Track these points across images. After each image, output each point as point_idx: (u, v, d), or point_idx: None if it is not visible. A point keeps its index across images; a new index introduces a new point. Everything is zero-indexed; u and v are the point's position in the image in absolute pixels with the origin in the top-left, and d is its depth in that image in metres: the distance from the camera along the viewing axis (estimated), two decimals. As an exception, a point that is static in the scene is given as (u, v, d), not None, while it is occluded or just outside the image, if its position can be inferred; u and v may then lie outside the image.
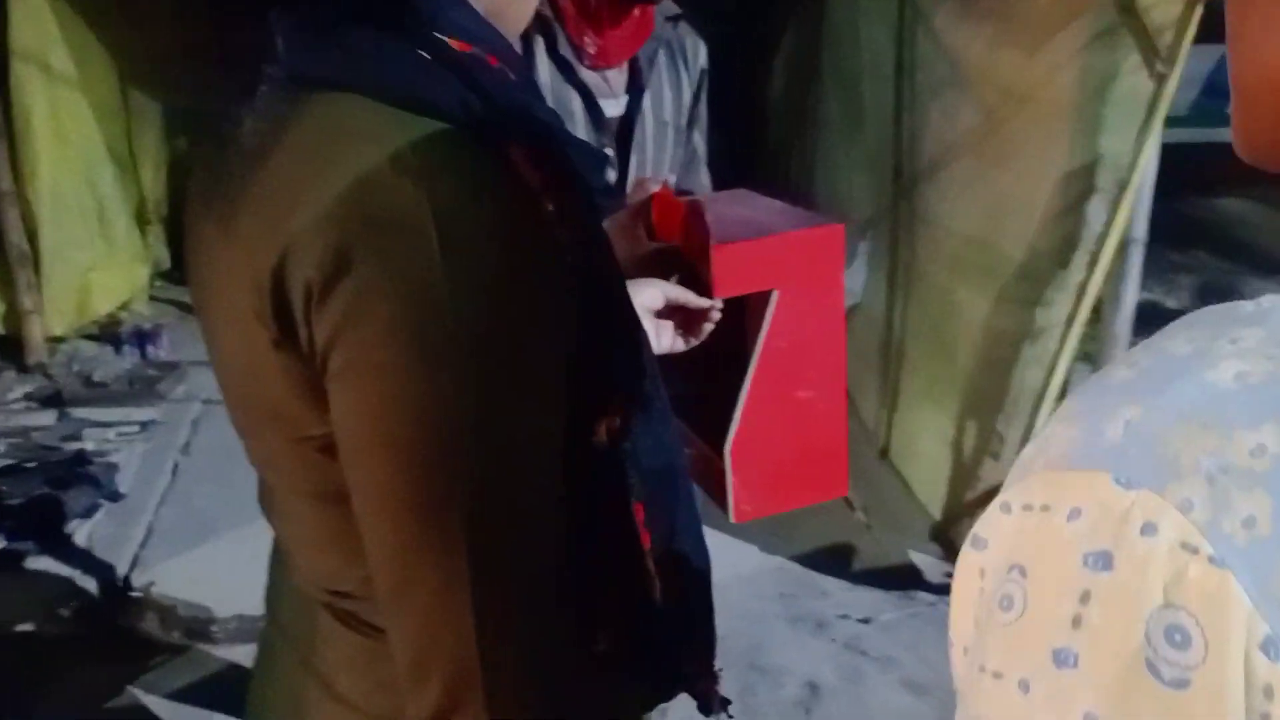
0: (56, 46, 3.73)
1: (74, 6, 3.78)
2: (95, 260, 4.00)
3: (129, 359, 3.89)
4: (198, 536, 3.04)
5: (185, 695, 2.50)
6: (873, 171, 3.13)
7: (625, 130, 1.57)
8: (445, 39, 0.61)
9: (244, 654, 2.62)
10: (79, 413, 3.56)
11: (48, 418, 3.54)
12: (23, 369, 3.80)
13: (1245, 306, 0.38)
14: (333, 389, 0.58)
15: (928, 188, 2.77)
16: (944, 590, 2.59)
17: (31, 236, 3.70)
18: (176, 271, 4.81)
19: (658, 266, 1.05)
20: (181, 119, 4.67)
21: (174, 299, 4.67)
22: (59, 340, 3.93)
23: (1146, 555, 0.32)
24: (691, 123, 1.68)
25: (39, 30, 3.66)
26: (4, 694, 2.41)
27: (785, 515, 1.37)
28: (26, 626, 2.67)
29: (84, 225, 3.92)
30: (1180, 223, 4.39)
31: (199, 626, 2.71)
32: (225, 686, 2.47)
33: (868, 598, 2.72)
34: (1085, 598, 0.33)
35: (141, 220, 4.39)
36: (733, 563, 2.47)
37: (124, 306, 4.21)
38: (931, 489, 2.86)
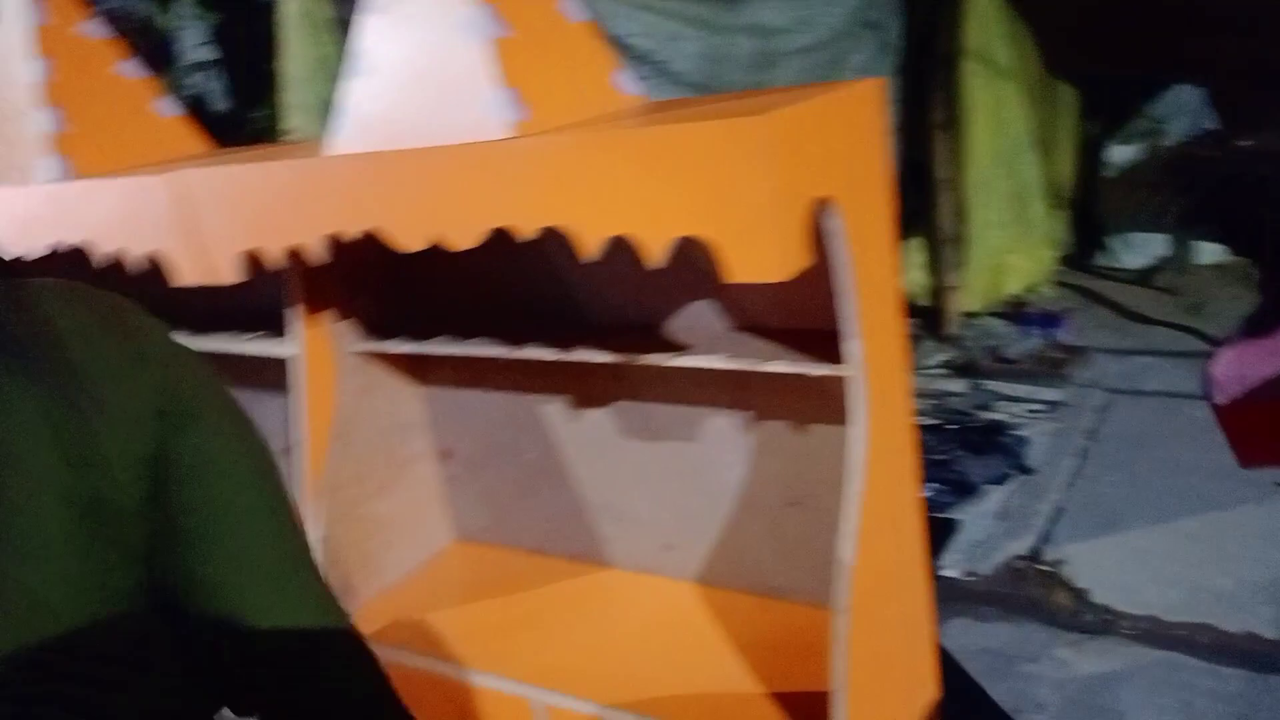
0: (999, 42, 3.98)
1: (1013, 3, 4.00)
2: (1011, 243, 4.20)
3: (1034, 339, 4.01)
4: (1107, 525, 2.99)
5: (1088, 683, 2.46)
6: None
7: None
8: None
9: (1152, 658, 2.50)
10: (990, 385, 3.79)
11: (961, 386, 3.86)
12: (940, 339, 4.21)
13: None
14: None
15: None
16: None
17: (960, 220, 4.04)
18: (1079, 257, 4.83)
19: None
20: (1093, 102, 4.64)
21: (1076, 284, 4.70)
22: (971, 316, 4.25)
23: None
24: None
25: (986, 29, 3.94)
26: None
27: None
28: (948, 572, 2.94)
29: (1006, 210, 4.15)
30: None
31: (1110, 616, 2.65)
32: (1122, 683, 2.38)
33: None
34: None
35: (1053, 205, 4.47)
36: None
37: (1031, 289, 4.35)
38: None
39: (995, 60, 3.95)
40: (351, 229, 1.05)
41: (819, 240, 0.90)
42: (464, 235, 0.98)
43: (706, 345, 1.14)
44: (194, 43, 3.47)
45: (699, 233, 0.85)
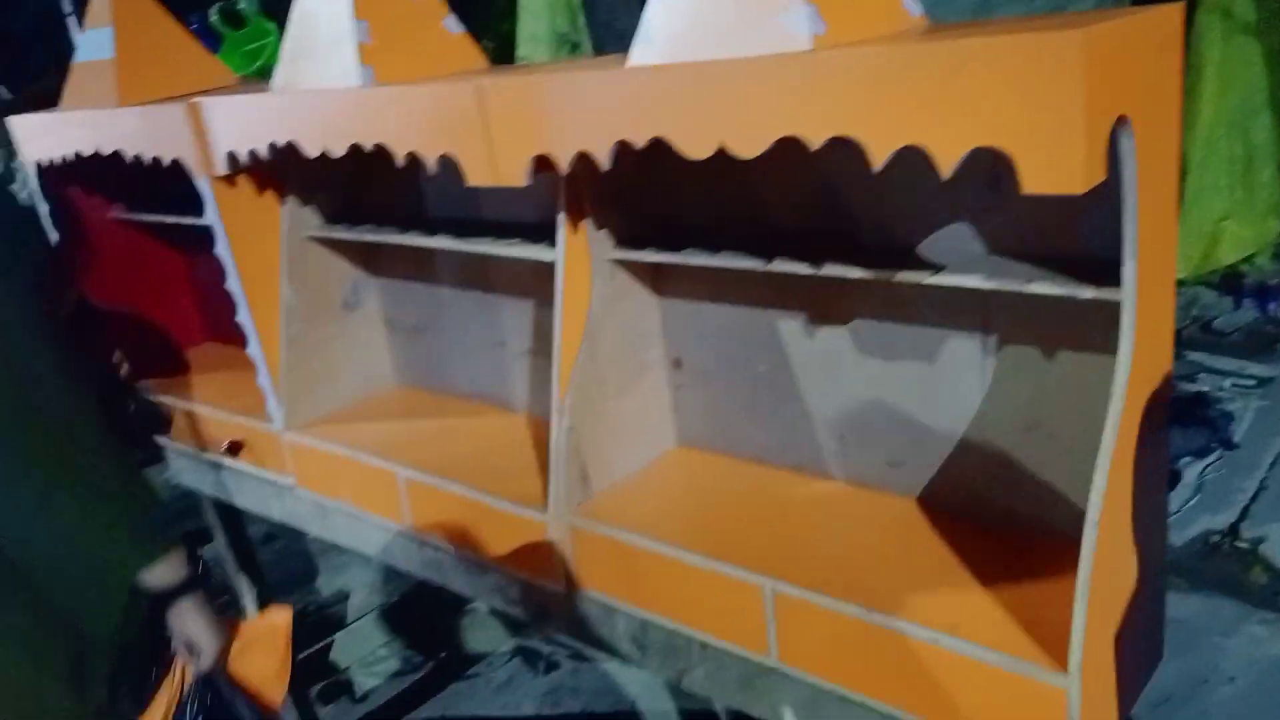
0: (1241, -6, 3.71)
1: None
2: (1231, 209, 3.95)
3: (1248, 312, 3.80)
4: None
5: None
6: None
7: None
8: None
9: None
10: (1195, 356, 3.63)
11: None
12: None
13: None
14: None
15: None
16: None
17: (1179, 180, 3.84)
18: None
19: None
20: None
21: (1297, 257, 4.39)
22: (1180, 284, 4.05)
23: None
24: None
25: (1228, -22, 3.68)
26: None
27: None
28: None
29: (1230, 173, 3.90)
30: None
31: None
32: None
33: None
34: None
35: (1281, 171, 4.17)
36: None
37: (1249, 260, 4.09)
38: None
39: (1236, 13, 3.69)
40: (640, 137, 1.14)
41: (1110, 159, 0.92)
42: (750, 144, 1.05)
43: (960, 266, 1.17)
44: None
45: (997, 143, 0.89)
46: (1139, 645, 1.18)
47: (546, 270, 1.48)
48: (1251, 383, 3.44)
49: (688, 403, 1.62)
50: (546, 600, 1.56)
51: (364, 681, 2.83)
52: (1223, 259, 4.04)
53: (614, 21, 2.85)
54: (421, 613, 3.02)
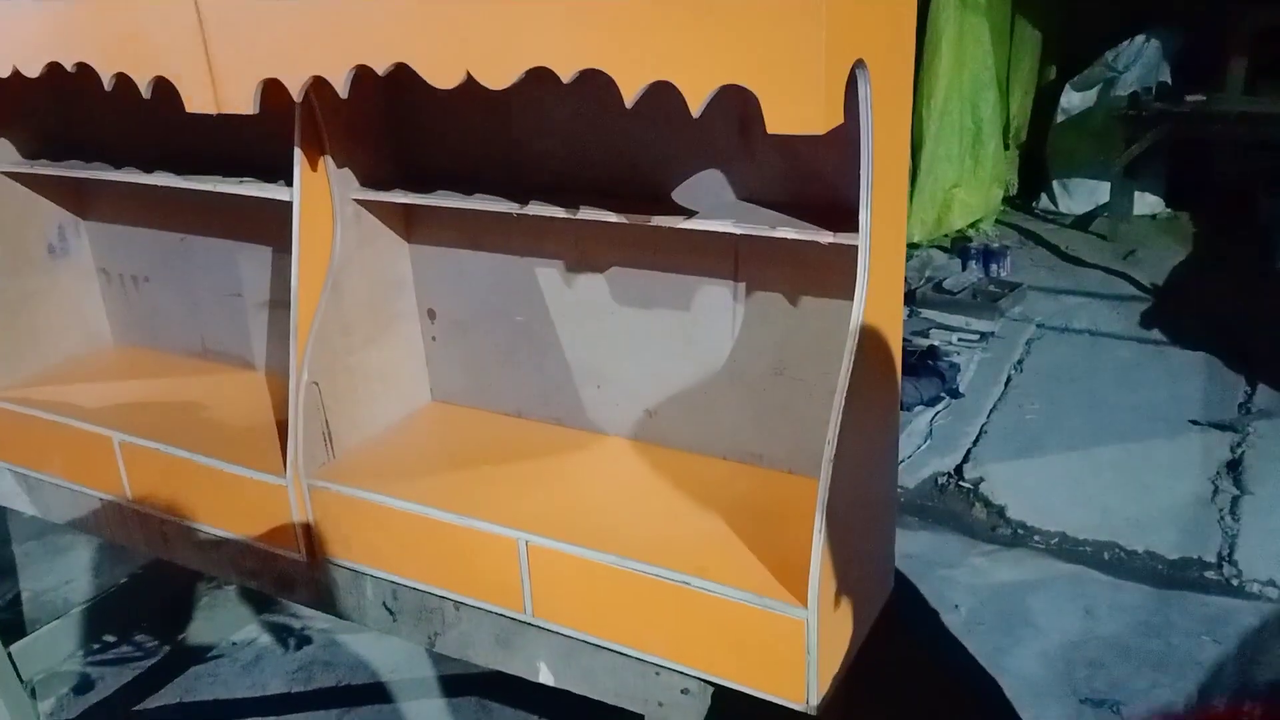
0: (972, -24, 4.02)
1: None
2: (961, 178, 4.30)
3: (974, 274, 4.15)
4: (1025, 448, 3.17)
5: (1000, 589, 2.62)
6: None
7: None
8: None
9: (1060, 570, 2.68)
10: (927, 313, 3.92)
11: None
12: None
13: None
14: None
15: None
16: None
17: (914, 152, 4.13)
18: (1021, 198, 4.97)
19: None
20: (1054, 48, 4.73)
21: (1015, 224, 4.85)
22: (914, 246, 4.36)
23: None
24: None
25: (961, -40, 3.98)
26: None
27: None
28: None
29: (959, 145, 4.24)
30: None
31: (1024, 531, 2.82)
32: (1032, 590, 2.55)
33: None
34: None
35: (1006, 144, 4.58)
36: None
37: (975, 225, 4.47)
38: None
39: (965, -6, 3.99)
40: (381, 62, 1.05)
41: (848, 111, 0.94)
42: (500, 73, 0.99)
43: (712, 212, 1.18)
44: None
45: (744, 81, 0.88)
46: (872, 579, 1.25)
47: (282, 211, 1.36)
48: (975, 337, 3.76)
49: (442, 355, 1.55)
50: (289, 570, 1.45)
51: (89, 671, 2.56)
52: (953, 224, 4.40)
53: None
54: (154, 595, 2.77)
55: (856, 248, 1.04)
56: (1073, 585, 2.59)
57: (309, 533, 1.37)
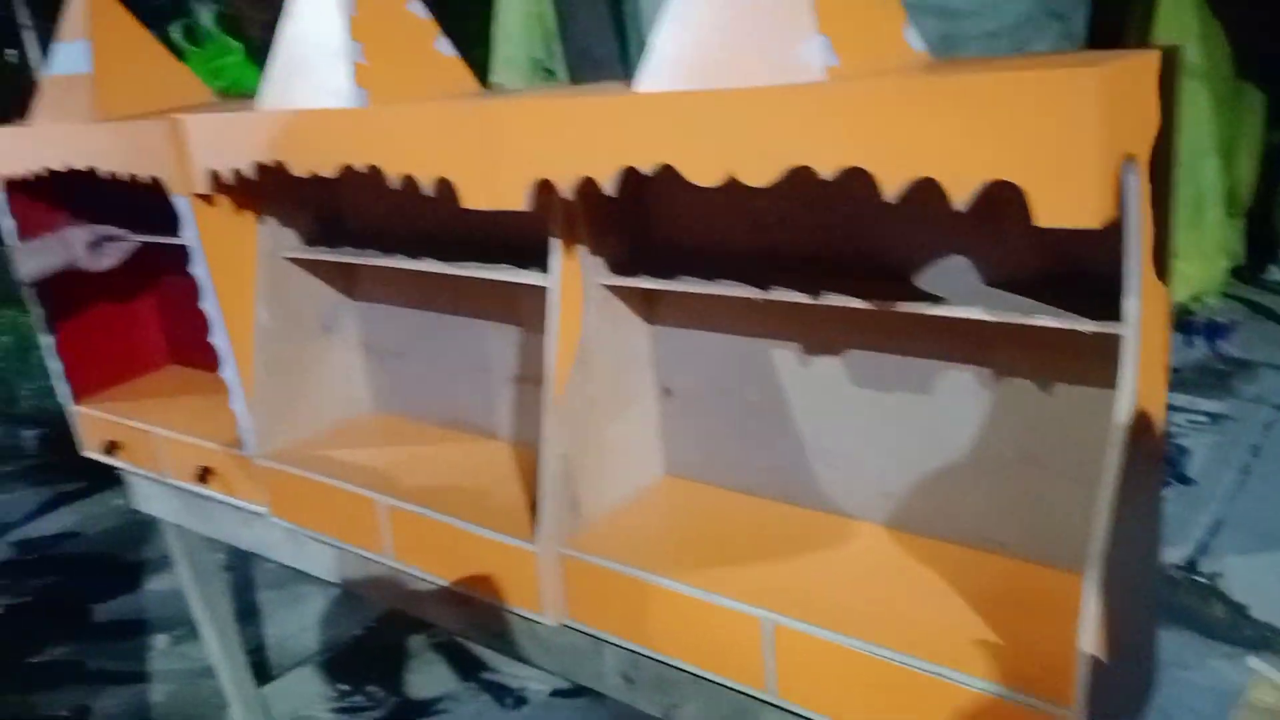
0: (1189, 41, 3.86)
1: (1210, 4, 3.87)
2: (1183, 248, 4.07)
3: (1198, 350, 3.90)
4: (1268, 542, 2.92)
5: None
6: None
7: None
8: None
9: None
10: (1149, 392, 3.71)
11: (1117, 392, 3.80)
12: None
13: None
14: None
15: None
16: None
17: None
18: (1248, 269, 4.65)
19: None
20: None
21: (1243, 296, 4.53)
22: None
23: None
24: None
25: (1177, 25, 3.83)
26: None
27: None
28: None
29: (1180, 214, 4.02)
30: None
31: (1270, 634, 2.59)
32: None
33: None
34: None
35: (1229, 213, 4.32)
36: None
37: (1198, 298, 4.22)
38: None
39: (1185, 59, 3.83)
40: (647, 164, 1.13)
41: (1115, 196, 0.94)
42: (761, 173, 1.05)
43: (959, 297, 1.18)
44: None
45: (1012, 176, 0.90)
46: (1135, 677, 1.19)
47: (532, 294, 1.46)
48: (1204, 419, 3.52)
49: (677, 432, 1.62)
50: (532, 633, 1.53)
51: (327, 718, 2.75)
52: (1175, 296, 4.15)
53: (590, 48, 2.86)
54: (383, 649, 2.96)
55: (1119, 336, 1.03)
56: (1332, 695, 2.36)
57: (555, 597, 1.44)
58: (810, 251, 1.38)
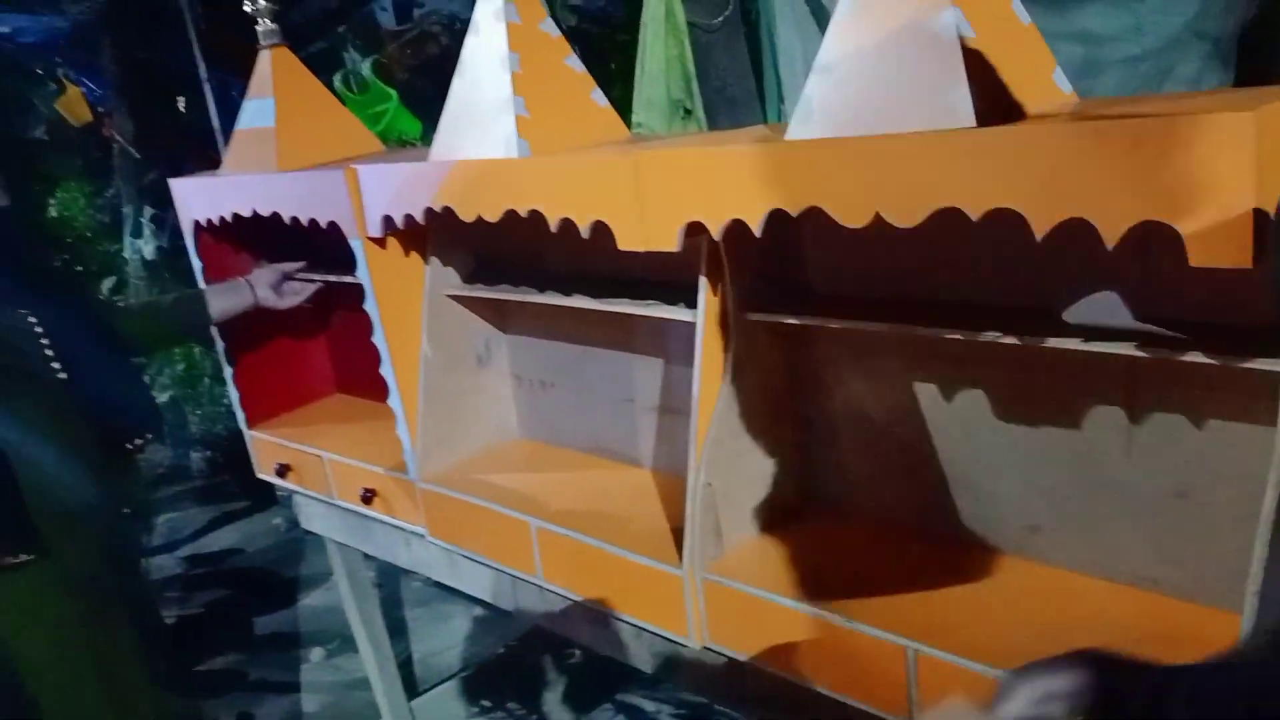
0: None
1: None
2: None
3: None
4: None
5: None
6: None
7: None
8: None
9: None
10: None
11: None
12: None
13: None
14: None
15: None
16: None
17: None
18: None
19: None
20: None
21: None
22: None
23: None
24: None
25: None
26: None
27: None
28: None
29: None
30: None
31: None
32: None
33: None
34: None
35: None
36: None
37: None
38: None
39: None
40: (796, 206, 1.19)
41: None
42: (909, 215, 1.09)
43: (1109, 333, 1.19)
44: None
45: (1166, 218, 0.92)
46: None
47: (676, 328, 1.53)
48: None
49: (819, 462, 1.65)
50: (676, 656, 1.59)
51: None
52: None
53: (726, 88, 2.94)
54: (523, 668, 3.06)
55: (1275, 373, 1.02)
56: None
57: (700, 622, 1.50)
58: (955, 286, 1.40)
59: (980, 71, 1.06)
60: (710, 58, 2.86)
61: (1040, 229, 1.00)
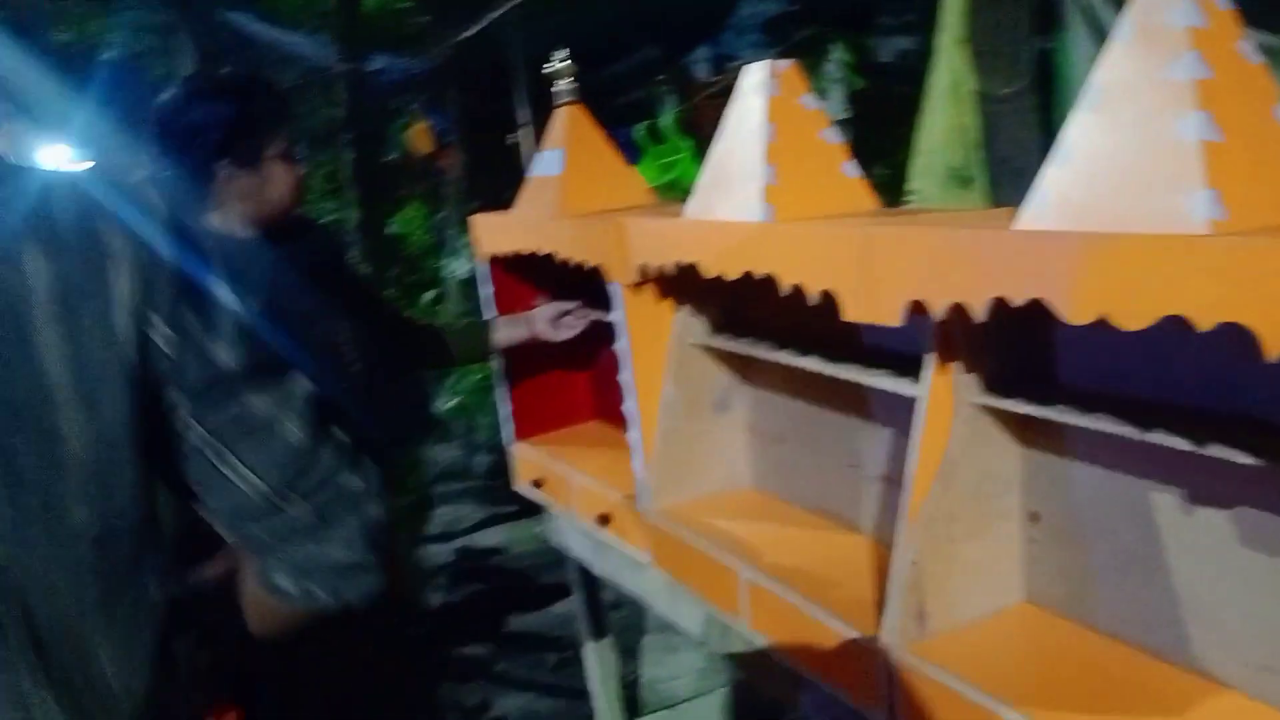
0: None
1: None
2: None
3: None
4: None
5: None
6: None
7: None
8: None
9: None
10: None
11: None
12: None
13: None
14: None
15: None
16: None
17: None
18: None
19: None
20: None
21: None
22: None
23: None
24: None
25: None
26: None
27: None
28: None
29: None
30: None
31: None
32: None
33: None
34: None
35: None
36: None
37: None
38: None
39: None
40: (1018, 297, 1.18)
41: None
42: (1135, 319, 1.05)
43: (1374, 469, 1.07)
44: (837, 102, 3.95)
45: None
46: None
47: (907, 402, 1.53)
48: None
49: (1041, 560, 1.58)
50: (866, 728, 1.58)
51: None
52: None
53: (1011, 158, 2.85)
54: (740, 710, 3.10)
55: None
56: None
57: (891, 700, 1.48)
58: (1206, 401, 1.31)
59: (1222, 178, 1.00)
60: (999, 128, 2.79)
61: (1273, 349, 0.93)
